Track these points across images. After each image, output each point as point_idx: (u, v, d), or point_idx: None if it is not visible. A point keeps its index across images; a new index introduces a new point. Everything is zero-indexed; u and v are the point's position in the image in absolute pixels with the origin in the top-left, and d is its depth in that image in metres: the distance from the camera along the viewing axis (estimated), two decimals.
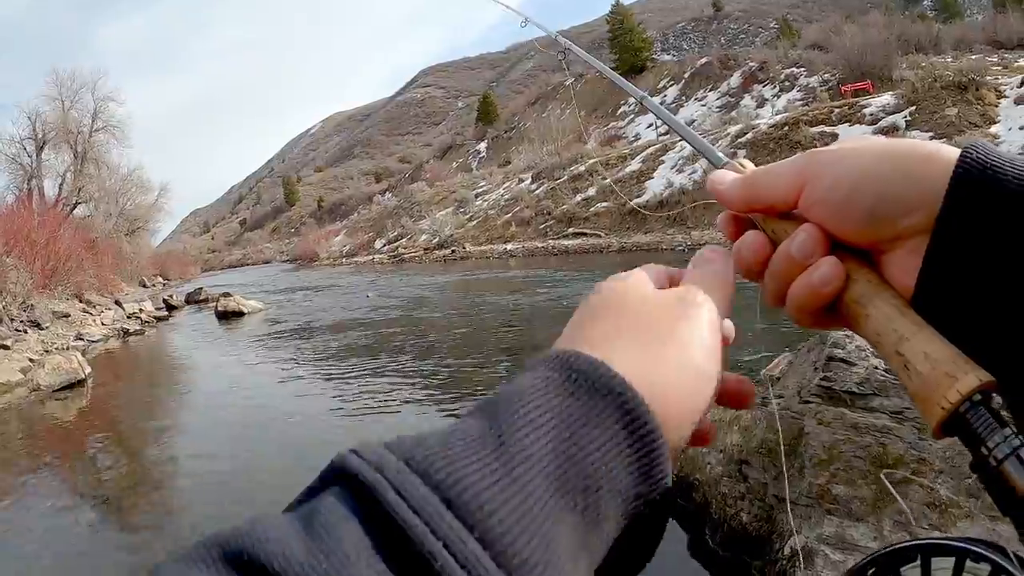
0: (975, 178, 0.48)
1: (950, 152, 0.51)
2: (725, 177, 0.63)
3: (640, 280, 0.53)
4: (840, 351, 3.44)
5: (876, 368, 3.32)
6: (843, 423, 3.25)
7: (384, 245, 61.10)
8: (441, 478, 0.34)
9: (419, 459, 0.35)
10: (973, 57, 44.63)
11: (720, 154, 0.70)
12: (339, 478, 0.35)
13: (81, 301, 23.00)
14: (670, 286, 0.55)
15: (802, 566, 3.06)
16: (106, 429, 8.23)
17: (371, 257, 56.48)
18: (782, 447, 3.44)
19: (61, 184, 43.78)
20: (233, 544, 0.31)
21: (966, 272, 0.49)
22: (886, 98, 32.52)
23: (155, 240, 69.79)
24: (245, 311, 20.30)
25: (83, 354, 12.70)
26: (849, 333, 3.15)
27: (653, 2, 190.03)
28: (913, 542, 0.80)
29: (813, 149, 0.57)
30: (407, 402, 7.82)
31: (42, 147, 43.29)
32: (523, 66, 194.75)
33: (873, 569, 0.78)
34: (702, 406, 0.47)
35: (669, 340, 0.47)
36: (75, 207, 42.44)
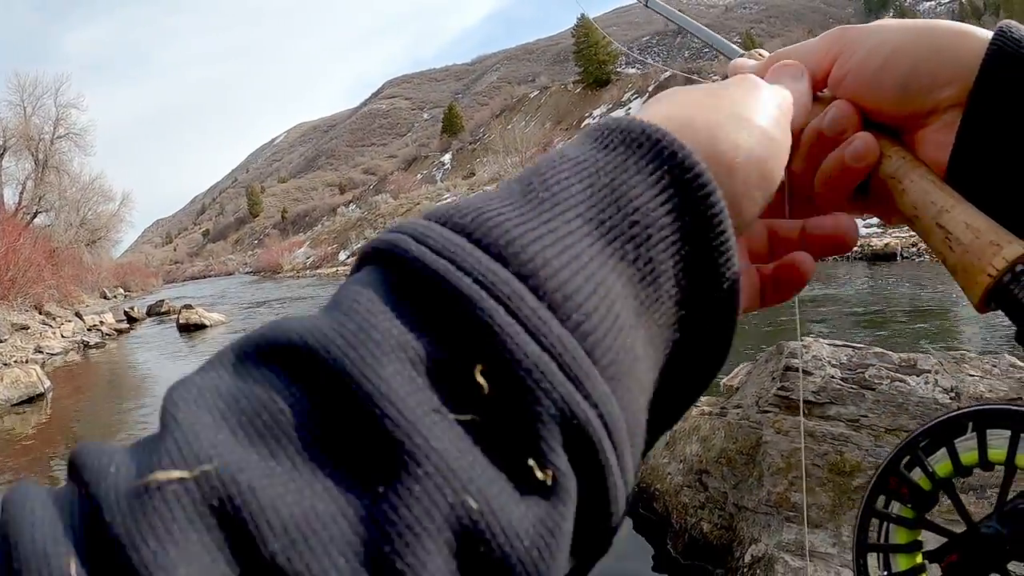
0: (1011, 52, 0.48)
1: (983, 31, 0.51)
2: (747, 62, 0.61)
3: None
4: (797, 361, 3.49)
5: (832, 378, 3.37)
6: (800, 432, 3.30)
7: (348, 257, 60.84)
8: (466, 222, 0.31)
9: (442, 212, 0.32)
10: None
11: (735, 47, 0.70)
12: (364, 259, 0.33)
13: (41, 313, 22.67)
14: None
15: (763, 573, 3.10)
16: (66, 444, 8.11)
17: (335, 269, 56.20)
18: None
19: (21, 192, 43.02)
20: (251, 340, 0.29)
21: (1000, 146, 0.49)
22: None
23: (116, 251, 68.81)
24: (207, 323, 20.09)
25: (42, 367, 12.52)
26: (806, 343, 3.19)
27: (618, 16, 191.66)
28: (964, 410, 0.79)
29: (843, 26, 0.57)
30: None
31: (2, 154, 42.48)
32: (488, 78, 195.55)
33: (926, 441, 0.78)
34: (770, 168, 0.42)
35: (727, 99, 0.43)
36: (35, 216, 41.73)
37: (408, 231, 0.31)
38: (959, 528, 0.91)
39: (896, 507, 0.88)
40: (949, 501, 0.93)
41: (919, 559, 0.91)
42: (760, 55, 0.63)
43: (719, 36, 0.77)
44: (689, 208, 0.35)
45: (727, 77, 0.55)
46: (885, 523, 0.89)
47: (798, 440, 3.28)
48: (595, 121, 0.32)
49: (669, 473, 4.11)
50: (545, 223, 0.32)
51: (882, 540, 0.90)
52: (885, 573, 0.89)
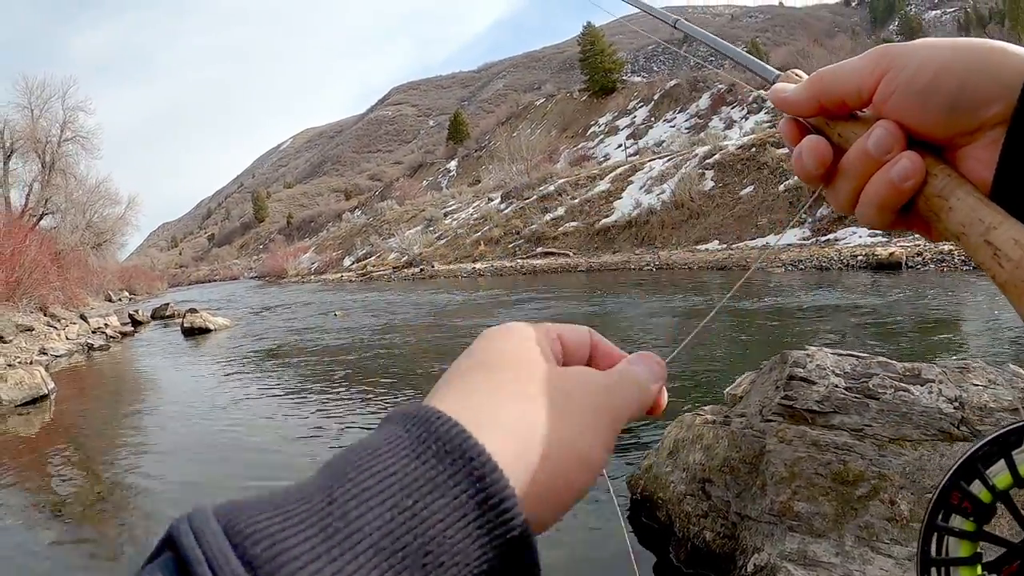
0: None
1: None
2: (786, 87, 0.62)
3: (532, 337, 0.49)
4: (801, 370, 3.48)
5: (836, 387, 3.36)
6: (804, 441, 3.29)
7: (353, 263, 60.89)
8: (257, 552, 0.31)
9: (240, 528, 0.32)
10: None
11: (771, 68, 0.69)
12: (169, 545, 0.32)
13: (46, 314, 22.67)
14: (563, 352, 0.51)
15: None
16: (68, 446, 8.11)
17: (339, 275, 56.23)
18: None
19: (28, 194, 42.90)
20: None
21: None
22: None
23: (122, 254, 68.62)
24: (211, 328, 20.09)
25: (46, 369, 12.49)
26: (809, 352, 3.18)
27: (624, 24, 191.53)
28: (1021, 423, 0.79)
29: (884, 44, 0.57)
30: (371, 423, 7.78)
31: (10, 156, 42.33)
32: (494, 85, 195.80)
33: (985, 454, 0.78)
34: (575, 494, 0.42)
35: (556, 409, 0.43)
36: (41, 218, 41.67)
37: (204, 545, 0.31)
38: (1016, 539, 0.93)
39: (958, 521, 0.87)
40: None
41: (979, 571, 0.91)
42: (797, 76, 0.64)
43: (754, 59, 0.75)
44: (492, 539, 0.35)
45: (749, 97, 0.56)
46: (945, 537, 0.89)
47: (801, 449, 3.27)
48: (407, 411, 0.30)
49: (672, 481, 4.10)
50: (332, 562, 0.31)
51: (943, 554, 0.90)
52: None
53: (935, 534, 0.77)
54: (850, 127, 0.58)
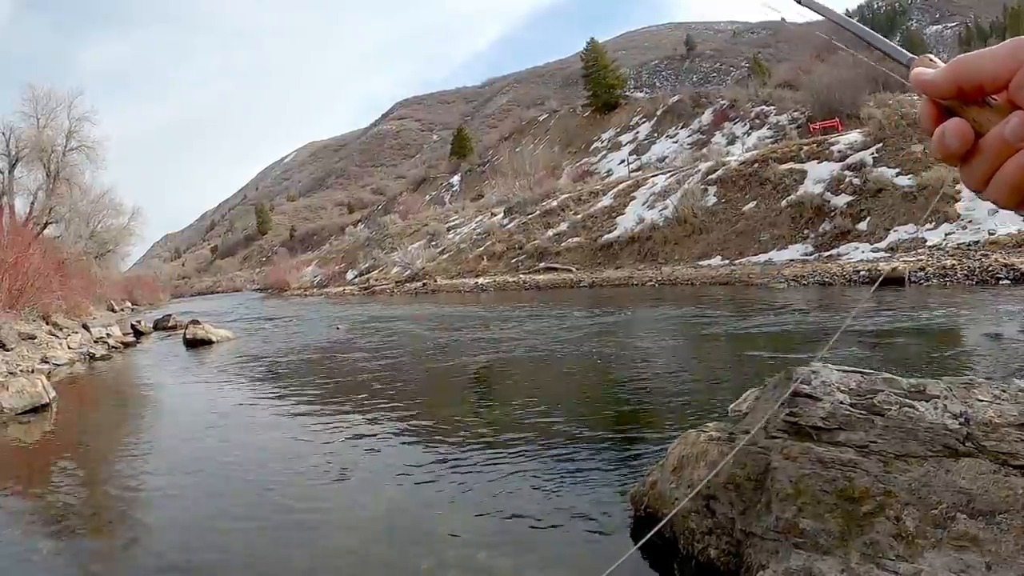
0: None
1: None
2: (926, 71, 0.66)
3: None
4: (806, 387, 3.47)
5: (841, 404, 3.35)
6: (809, 457, 3.28)
7: (355, 276, 60.95)
8: None
9: None
10: None
11: (905, 51, 0.73)
12: None
13: (48, 323, 22.63)
14: None
15: None
16: (69, 456, 8.08)
17: (342, 288, 56.27)
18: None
19: (32, 203, 42.98)
20: None
21: None
22: (854, 135, 32.97)
23: (125, 264, 68.52)
24: (214, 340, 20.08)
25: (48, 377, 12.50)
26: (814, 368, 3.17)
27: (627, 40, 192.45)
28: None
29: (1022, 36, 0.61)
30: (372, 438, 7.75)
31: (15, 164, 42.43)
32: (498, 100, 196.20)
33: None
34: None
35: None
36: (45, 227, 41.66)
37: None
38: None
39: None
40: None
41: None
42: (931, 60, 0.68)
43: (888, 41, 0.78)
44: None
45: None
46: None
47: (807, 466, 3.26)
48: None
49: (676, 498, 4.08)
50: None
51: None
52: None
53: None
54: (985, 113, 0.62)
